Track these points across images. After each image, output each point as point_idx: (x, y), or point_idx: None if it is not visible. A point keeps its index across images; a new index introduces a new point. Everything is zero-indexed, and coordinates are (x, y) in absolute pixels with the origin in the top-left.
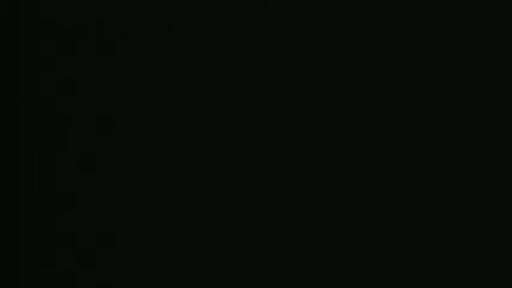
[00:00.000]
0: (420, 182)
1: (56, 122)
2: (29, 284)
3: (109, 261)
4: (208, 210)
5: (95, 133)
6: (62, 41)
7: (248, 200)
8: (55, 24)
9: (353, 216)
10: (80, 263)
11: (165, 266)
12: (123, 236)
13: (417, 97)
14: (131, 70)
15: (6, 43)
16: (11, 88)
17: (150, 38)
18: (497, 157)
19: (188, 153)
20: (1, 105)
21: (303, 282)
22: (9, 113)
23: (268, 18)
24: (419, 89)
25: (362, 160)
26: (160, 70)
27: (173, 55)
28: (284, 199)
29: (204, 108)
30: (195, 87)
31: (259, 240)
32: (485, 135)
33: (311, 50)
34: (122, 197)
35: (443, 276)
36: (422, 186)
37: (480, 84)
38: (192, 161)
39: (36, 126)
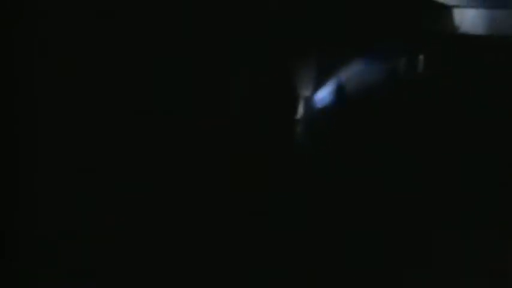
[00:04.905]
0: (420, 182)
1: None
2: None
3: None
4: (208, 210)
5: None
6: None
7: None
8: None
9: (353, 216)
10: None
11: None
12: (127, 236)
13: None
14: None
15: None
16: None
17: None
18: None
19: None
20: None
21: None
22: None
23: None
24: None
25: (362, 160)
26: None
27: (172, 54)
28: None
29: (203, 108)
30: (197, 86)
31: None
32: (485, 135)
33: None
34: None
35: (443, 275)
36: (422, 186)
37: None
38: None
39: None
